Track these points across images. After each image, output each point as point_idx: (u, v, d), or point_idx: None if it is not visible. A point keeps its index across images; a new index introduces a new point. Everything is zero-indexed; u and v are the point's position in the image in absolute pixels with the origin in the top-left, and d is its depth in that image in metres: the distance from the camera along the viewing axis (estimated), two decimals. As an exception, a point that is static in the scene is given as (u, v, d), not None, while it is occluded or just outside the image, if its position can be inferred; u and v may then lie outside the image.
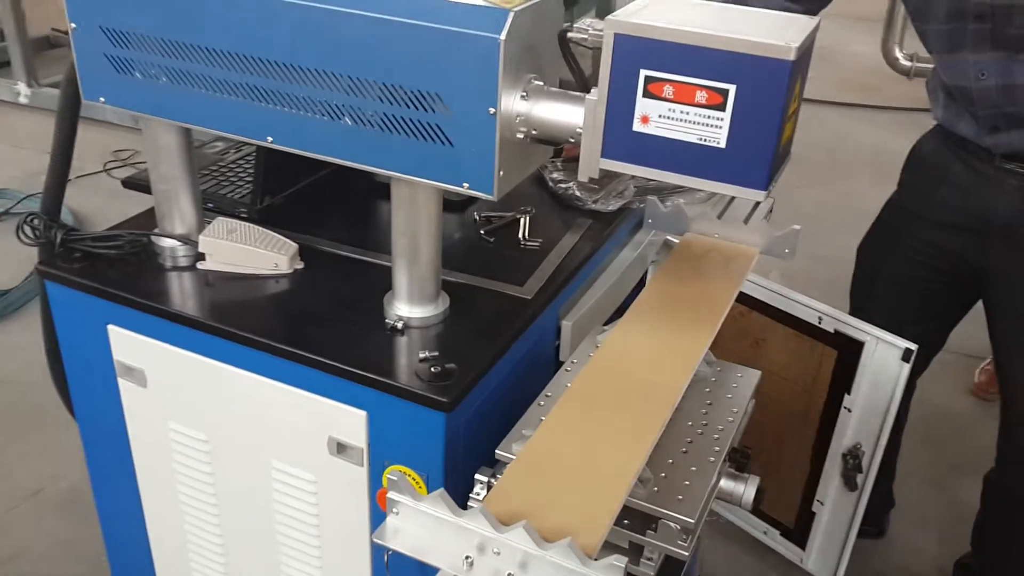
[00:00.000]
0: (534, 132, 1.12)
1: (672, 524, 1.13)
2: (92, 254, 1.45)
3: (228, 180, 1.66)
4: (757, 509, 2.19)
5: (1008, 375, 1.96)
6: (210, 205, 1.60)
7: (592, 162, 1.06)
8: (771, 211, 1.85)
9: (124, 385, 1.48)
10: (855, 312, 2.10)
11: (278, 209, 1.62)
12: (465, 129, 1.10)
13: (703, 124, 0.99)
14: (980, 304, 2.01)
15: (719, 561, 2.36)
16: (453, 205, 1.70)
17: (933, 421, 2.82)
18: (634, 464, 1.07)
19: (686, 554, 1.15)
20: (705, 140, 0.99)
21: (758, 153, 0.98)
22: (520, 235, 1.61)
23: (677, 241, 1.60)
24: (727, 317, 2.08)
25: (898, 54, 4.91)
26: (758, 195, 0.99)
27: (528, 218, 1.64)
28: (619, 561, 0.89)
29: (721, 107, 0.97)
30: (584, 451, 1.10)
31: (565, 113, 1.09)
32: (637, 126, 1.02)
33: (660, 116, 1.00)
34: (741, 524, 2.24)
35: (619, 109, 1.02)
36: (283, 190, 1.63)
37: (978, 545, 2.20)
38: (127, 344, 1.43)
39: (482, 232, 1.62)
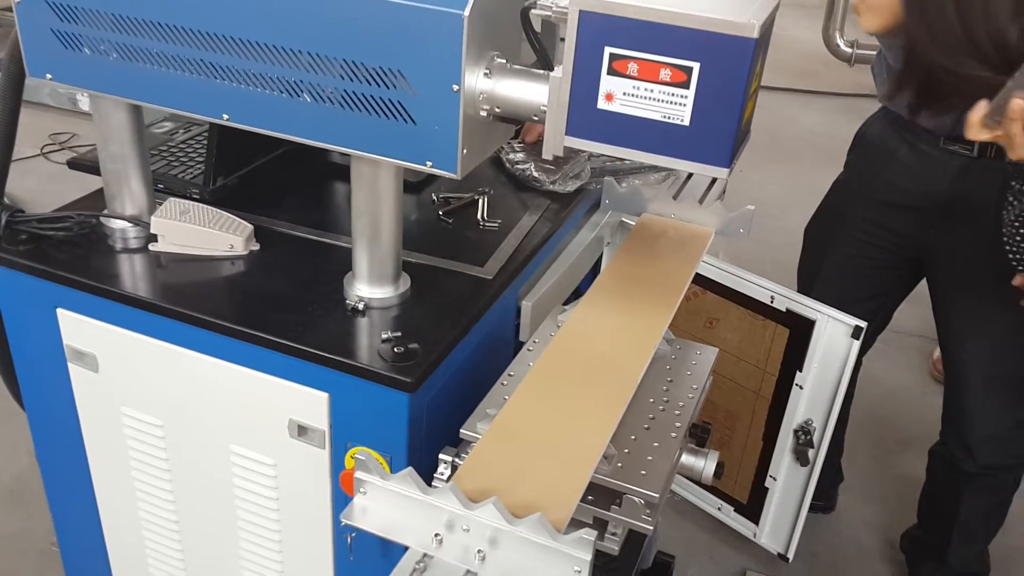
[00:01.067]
0: (497, 110, 1.11)
1: (636, 499, 1.14)
2: (39, 236, 1.41)
3: (179, 160, 1.63)
4: (711, 486, 2.25)
5: (949, 349, 2.02)
6: (160, 186, 1.56)
7: (556, 140, 1.06)
8: (724, 192, 1.87)
9: (75, 370, 1.44)
10: (802, 291, 2.14)
11: (232, 190, 1.59)
12: (428, 107, 1.09)
13: (667, 102, 0.99)
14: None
15: (674, 538, 2.39)
16: (411, 186, 1.68)
17: (881, 399, 2.89)
18: (600, 440, 1.08)
19: (651, 528, 1.16)
20: (669, 118, 1.00)
21: (721, 130, 0.99)
22: (479, 216, 1.60)
23: (633, 222, 1.62)
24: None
25: (839, 40, 5.00)
26: (721, 172, 1.00)
27: (486, 199, 1.64)
28: (588, 535, 0.90)
29: (685, 85, 0.98)
30: (550, 429, 1.11)
31: (529, 91, 1.08)
32: (601, 104, 1.02)
33: (624, 94, 1.01)
34: (695, 501, 2.28)
35: (583, 87, 1.02)
36: (237, 170, 1.60)
37: (924, 517, 2.27)
38: (77, 328, 1.40)
39: (440, 213, 1.61)
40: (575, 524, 1.22)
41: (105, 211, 1.44)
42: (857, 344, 1.82)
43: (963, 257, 1.89)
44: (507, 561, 0.94)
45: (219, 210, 1.44)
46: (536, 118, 1.09)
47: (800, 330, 1.89)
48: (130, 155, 1.39)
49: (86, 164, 1.59)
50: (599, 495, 1.18)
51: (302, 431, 1.31)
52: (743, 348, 2.03)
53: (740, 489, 2.18)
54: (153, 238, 1.41)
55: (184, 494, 1.48)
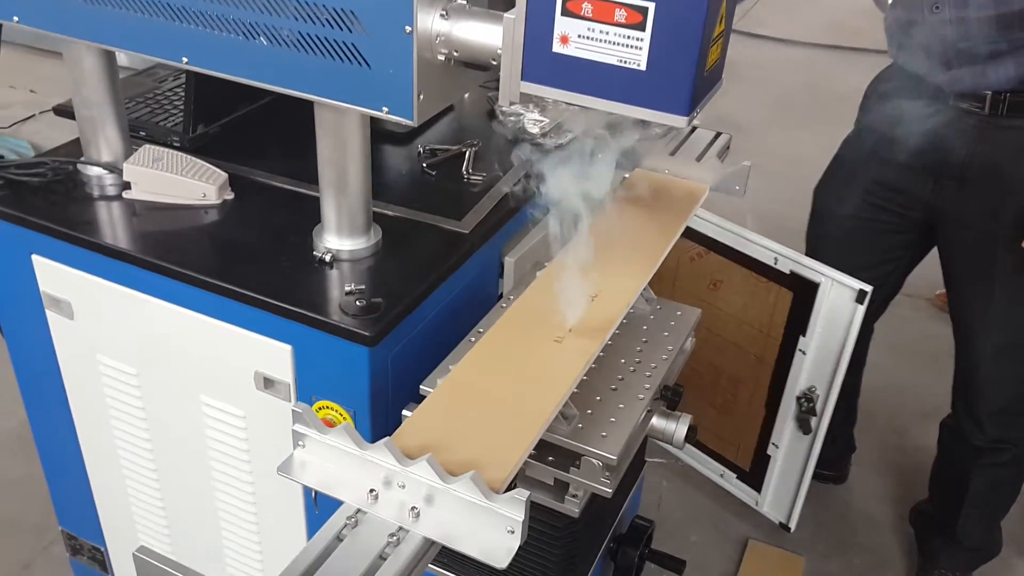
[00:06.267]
0: (456, 54, 1.06)
1: (595, 461, 1.10)
2: (15, 182, 1.40)
3: (163, 108, 1.61)
4: (714, 452, 2.20)
5: (959, 318, 1.94)
6: (143, 133, 1.55)
7: (512, 85, 1.01)
8: (727, 149, 1.80)
9: (52, 317, 1.44)
10: (810, 254, 2.07)
11: (213, 139, 1.56)
12: (381, 49, 1.05)
13: (623, 45, 0.94)
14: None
15: (676, 503, 2.36)
16: (398, 137, 1.65)
17: (900, 367, 2.80)
18: (552, 400, 1.04)
19: (609, 491, 1.12)
20: (625, 62, 0.94)
21: (679, 76, 0.93)
22: (464, 169, 1.56)
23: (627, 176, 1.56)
24: (685, 258, 2.05)
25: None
26: (679, 121, 0.95)
27: (473, 152, 1.59)
28: (520, 495, 0.86)
29: (640, 27, 0.92)
30: (505, 386, 1.07)
31: (485, 33, 1.03)
32: (557, 47, 0.97)
33: (579, 36, 0.95)
34: (698, 467, 2.24)
35: (537, 28, 0.97)
36: (218, 119, 1.58)
37: (934, 491, 2.20)
38: (52, 275, 1.40)
39: (424, 165, 1.57)
40: (534, 484, 1.20)
41: (82, 158, 1.43)
42: (862, 309, 1.75)
43: (974, 222, 1.81)
44: (441, 519, 0.91)
45: (194, 158, 1.42)
46: (495, 62, 1.04)
47: (804, 293, 1.82)
48: (104, 101, 1.38)
49: (70, 111, 1.57)
50: (560, 456, 1.15)
51: (268, 383, 1.29)
52: (747, 311, 1.97)
53: (743, 456, 2.13)
54: (128, 185, 1.40)
55: (161, 443, 1.48)
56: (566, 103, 1.01)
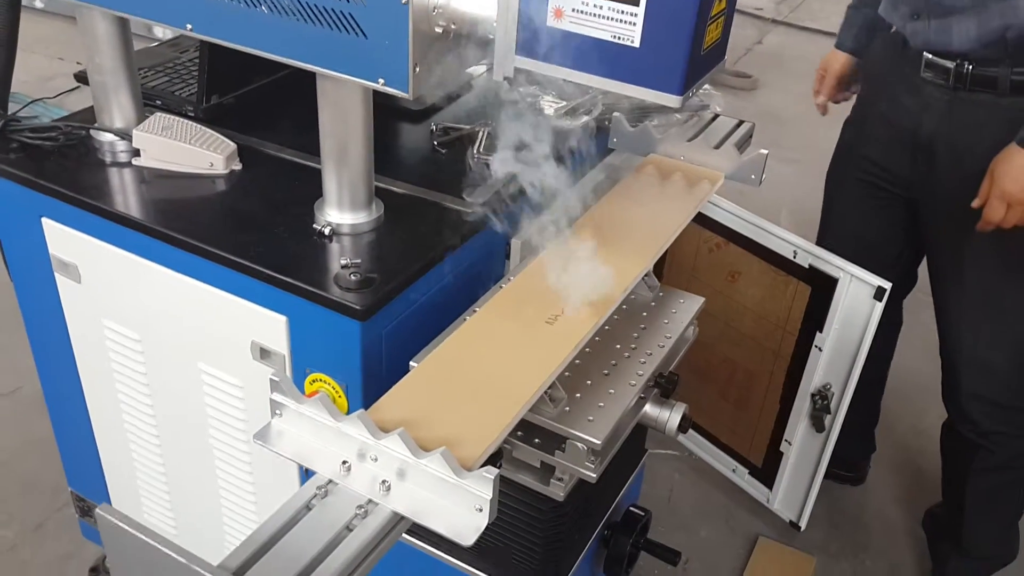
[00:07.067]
0: (454, 27, 1.05)
1: (579, 445, 1.09)
2: (28, 145, 1.42)
3: (181, 78, 1.62)
4: (727, 446, 2.17)
5: (937, 303, 1.89)
6: (158, 102, 1.56)
7: (507, 60, 1.00)
8: (750, 138, 1.76)
9: (60, 280, 1.46)
10: (821, 240, 2.03)
11: (227, 109, 1.57)
12: (377, 19, 1.03)
13: (617, 20, 0.92)
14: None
15: (687, 497, 2.33)
16: (413, 114, 1.64)
17: (926, 369, 2.73)
18: (536, 381, 1.02)
19: (594, 476, 1.11)
20: (619, 38, 0.92)
21: (673, 53, 0.91)
22: (475, 148, 1.54)
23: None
24: (704, 248, 2.02)
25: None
26: (672, 100, 0.92)
27: (487, 131, 1.58)
28: (489, 473, 0.85)
29: (634, 1, 0.90)
30: (490, 365, 1.06)
31: (482, 4, 1.02)
32: (551, 20, 0.95)
33: (573, 10, 0.93)
34: (710, 461, 2.21)
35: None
36: (233, 90, 1.58)
37: (943, 495, 2.14)
38: (61, 238, 1.41)
39: (436, 143, 1.56)
40: (520, 466, 1.19)
41: (95, 124, 1.44)
42: (880, 306, 1.70)
43: (943, 202, 1.78)
44: (411, 495, 0.90)
45: (204, 127, 1.42)
46: (492, 36, 1.03)
47: (822, 288, 1.78)
48: (117, 67, 1.39)
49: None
50: (546, 439, 1.13)
51: (264, 354, 1.29)
52: (764, 304, 1.93)
53: (755, 452, 2.10)
54: (139, 152, 1.41)
55: (163, 408, 1.50)
56: (562, 79, 1.00)
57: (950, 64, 1.67)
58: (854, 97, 2.05)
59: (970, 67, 1.65)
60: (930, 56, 1.70)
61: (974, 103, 1.67)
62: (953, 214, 1.75)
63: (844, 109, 2.05)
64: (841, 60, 2.01)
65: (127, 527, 0.77)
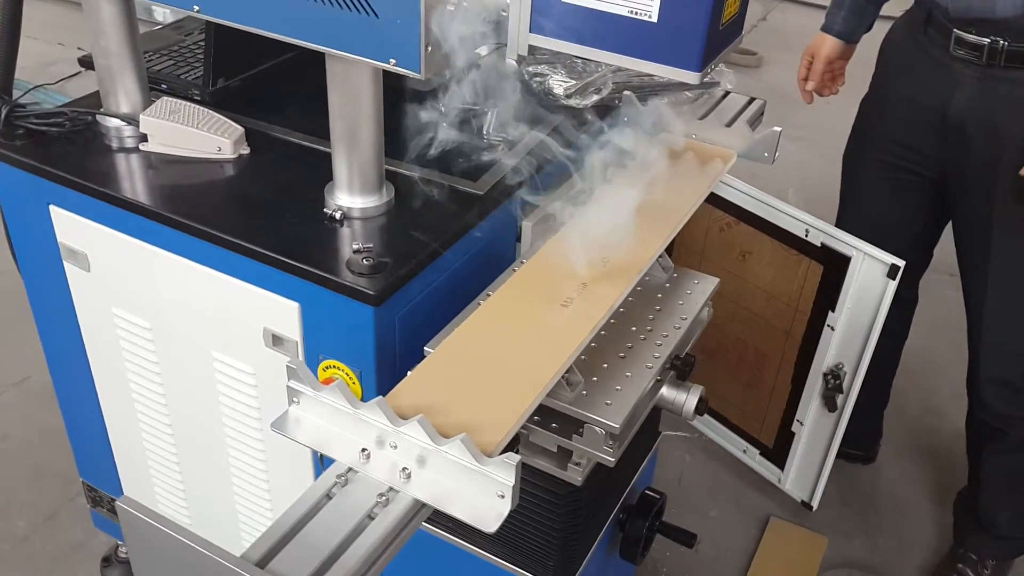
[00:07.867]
0: (465, 4, 1.03)
1: (597, 429, 1.08)
2: (35, 131, 1.41)
3: (186, 62, 1.60)
4: (738, 427, 2.16)
5: (964, 282, 1.88)
6: (164, 86, 1.54)
7: (521, 38, 0.98)
8: (761, 115, 1.74)
9: (69, 268, 1.45)
10: (839, 222, 2.01)
11: (234, 93, 1.55)
12: (388, -2, 1.02)
13: (635, -5, 0.90)
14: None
15: (698, 478, 2.32)
16: (420, 96, 1.62)
17: (939, 344, 2.72)
18: (554, 366, 1.01)
19: (612, 460, 1.10)
20: (636, 13, 0.90)
21: (691, 28, 0.89)
22: (485, 129, 1.52)
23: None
24: (714, 228, 2.00)
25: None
26: (690, 76, 0.91)
27: (496, 112, 1.56)
28: (511, 460, 0.84)
29: (653, -25, 0.88)
30: (506, 349, 1.05)
31: (495, -17, 1.00)
32: (566, -3, 0.93)
33: (590, -14, 0.92)
34: (721, 442, 2.20)
35: (546, -23, 0.93)
36: (239, 73, 1.56)
37: (969, 475, 2.13)
38: (69, 226, 1.40)
39: (445, 124, 1.53)
40: (537, 451, 1.18)
41: (101, 109, 1.43)
42: (893, 284, 1.69)
43: (973, 180, 1.74)
44: (432, 482, 0.89)
45: (211, 111, 1.41)
46: (505, 13, 1.01)
47: (835, 267, 1.77)
48: (122, 51, 1.37)
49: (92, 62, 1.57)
50: (563, 423, 1.12)
51: (277, 341, 1.28)
52: (776, 284, 1.92)
53: (766, 432, 2.09)
54: (146, 138, 1.39)
55: (175, 397, 1.49)
56: (576, 56, 0.98)
57: (985, 40, 1.63)
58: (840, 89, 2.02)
59: (1005, 43, 1.62)
60: (961, 33, 1.67)
61: (1009, 80, 1.63)
62: (982, 195, 1.72)
63: (859, 96, 2.01)
64: (830, 44, 1.96)
65: (149, 519, 0.76)
